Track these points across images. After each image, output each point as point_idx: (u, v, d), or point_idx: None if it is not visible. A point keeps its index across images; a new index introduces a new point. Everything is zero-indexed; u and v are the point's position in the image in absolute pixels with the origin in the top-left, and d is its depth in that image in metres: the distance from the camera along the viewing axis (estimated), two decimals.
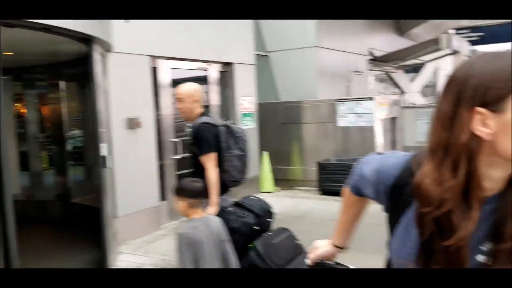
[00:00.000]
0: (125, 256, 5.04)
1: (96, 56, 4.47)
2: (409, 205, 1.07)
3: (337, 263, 1.55)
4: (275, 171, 8.42)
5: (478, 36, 15.92)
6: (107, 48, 5.05)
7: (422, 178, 0.99)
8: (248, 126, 7.93)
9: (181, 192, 2.87)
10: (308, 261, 1.59)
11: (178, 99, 3.57)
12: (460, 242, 0.96)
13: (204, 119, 3.50)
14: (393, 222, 1.14)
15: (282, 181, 8.63)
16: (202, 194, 2.92)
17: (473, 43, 15.13)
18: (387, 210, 1.17)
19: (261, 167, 8.26)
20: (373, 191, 1.21)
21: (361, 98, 8.11)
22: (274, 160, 8.45)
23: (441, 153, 0.97)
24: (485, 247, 1.00)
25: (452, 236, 0.96)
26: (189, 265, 2.67)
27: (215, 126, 3.46)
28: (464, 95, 0.94)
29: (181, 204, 2.85)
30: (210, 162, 3.38)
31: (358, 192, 1.35)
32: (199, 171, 3.42)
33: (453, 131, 0.95)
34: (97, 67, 4.46)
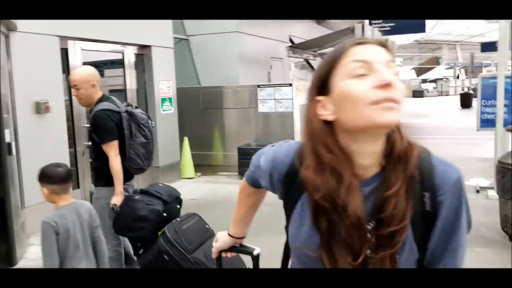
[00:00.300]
0: (35, 247, 4.76)
1: None
2: (302, 191, 1.10)
3: (241, 245, 1.56)
4: (196, 157, 8.35)
5: (389, 26, 16.72)
6: (10, 27, 4.67)
7: (305, 166, 1.07)
8: (167, 111, 7.76)
9: (42, 178, 2.67)
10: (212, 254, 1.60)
11: (73, 86, 3.35)
12: (353, 218, 1.01)
13: (104, 105, 3.31)
14: (288, 208, 1.16)
15: (204, 166, 8.58)
16: (65, 180, 2.71)
17: (385, 33, 15.89)
18: (282, 197, 1.19)
19: (182, 153, 8.15)
20: (269, 180, 1.23)
21: (281, 84, 8.23)
22: (195, 146, 8.37)
23: (310, 142, 1.06)
24: (370, 226, 1.04)
25: (345, 214, 1.01)
26: (54, 255, 2.54)
27: (116, 112, 3.32)
28: (309, 90, 1.09)
29: (45, 191, 2.67)
30: (112, 150, 3.25)
31: (254, 183, 1.37)
32: (101, 159, 3.30)
33: (309, 121, 1.07)
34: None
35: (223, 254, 1.58)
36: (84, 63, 5.92)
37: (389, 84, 0.95)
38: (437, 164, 1.04)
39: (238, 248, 1.56)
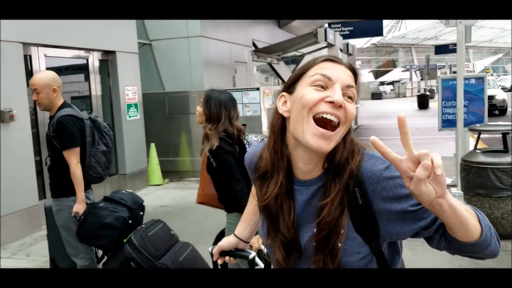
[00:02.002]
0: (4, 260, 4.61)
1: None
2: None
3: (237, 249, 1.59)
4: (163, 163, 8.28)
5: (348, 30, 17.05)
6: None
7: (256, 168, 1.24)
8: (133, 117, 7.67)
9: None
10: (211, 250, 1.62)
11: (33, 90, 3.27)
12: (286, 220, 1.16)
13: (68, 110, 3.24)
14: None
15: (171, 172, 8.52)
16: None
17: (344, 36, 16.24)
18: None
19: (149, 160, 8.06)
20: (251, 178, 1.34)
21: (248, 88, 8.28)
22: (162, 152, 8.30)
23: (269, 133, 1.20)
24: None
25: (281, 215, 1.17)
26: None
27: (79, 119, 3.28)
28: (283, 87, 1.20)
29: None
30: (74, 157, 3.19)
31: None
32: (60, 168, 3.23)
33: (273, 113, 1.20)
34: None
35: (220, 261, 1.60)
36: (47, 69, 5.78)
37: (336, 103, 1.06)
38: (365, 159, 1.12)
39: (234, 252, 1.59)
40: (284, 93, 1.17)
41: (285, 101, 1.15)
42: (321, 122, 1.07)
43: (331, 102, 1.06)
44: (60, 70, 6.49)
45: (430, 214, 1.02)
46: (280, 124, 1.16)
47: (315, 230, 1.12)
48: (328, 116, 1.06)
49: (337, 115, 1.06)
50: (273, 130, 1.18)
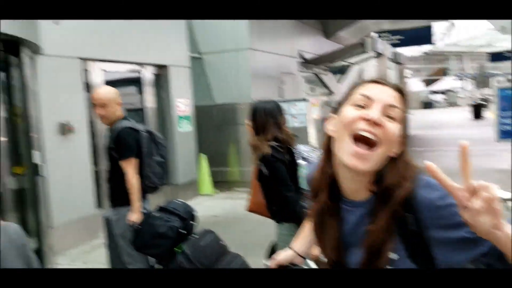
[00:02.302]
0: (64, 267, 4.81)
1: (25, 58, 4.24)
2: None
3: (293, 264, 1.58)
4: (213, 174, 8.40)
5: (397, 39, 16.71)
6: (35, 50, 4.80)
7: (313, 175, 1.24)
8: (184, 129, 7.85)
9: None
10: (268, 263, 1.63)
11: (96, 104, 3.44)
12: (330, 238, 1.17)
13: (126, 123, 3.41)
14: None
15: (221, 183, 8.63)
16: None
17: (393, 45, 15.95)
18: None
19: (199, 170, 8.21)
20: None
21: (295, 99, 8.30)
22: (212, 163, 8.43)
23: (321, 151, 1.22)
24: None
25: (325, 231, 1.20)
26: None
27: (136, 130, 3.40)
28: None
29: None
30: (130, 167, 3.30)
31: None
32: (117, 176, 3.35)
33: (324, 134, 1.22)
34: (26, 70, 4.24)
35: None
36: (106, 83, 6.04)
37: (372, 120, 1.05)
38: (420, 185, 1.06)
39: (290, 267, 1.57)
40: (332, 114, 1.20)
41: (332, 122, 1.19)
42: (359, 140, 1.06)
43: (368, 120, 1.06)
44: (114, 83, 6.75)
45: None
46: (328, 144, 1.18)
47: (362, 253, 1.10)
48: (364, 133, 1.05)
49: (374, 133, 1.05)
50: (323, 149, 1.21)
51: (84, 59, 5.85)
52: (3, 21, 3.72)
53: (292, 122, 8.08)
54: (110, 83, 5.88)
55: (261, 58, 9.63)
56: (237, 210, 6.95)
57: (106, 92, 3.45)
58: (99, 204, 5.96)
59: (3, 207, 5.86)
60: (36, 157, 4.19)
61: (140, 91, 7.22)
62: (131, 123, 3.43)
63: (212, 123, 8.74)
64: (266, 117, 2.91)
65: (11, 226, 2.71)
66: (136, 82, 7.19)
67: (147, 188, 3.46)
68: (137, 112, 7.25)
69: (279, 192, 2.83)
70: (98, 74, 6.18)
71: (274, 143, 2.85)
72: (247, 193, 3.40)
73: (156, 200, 3.74)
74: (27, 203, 4.42)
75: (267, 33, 9.92)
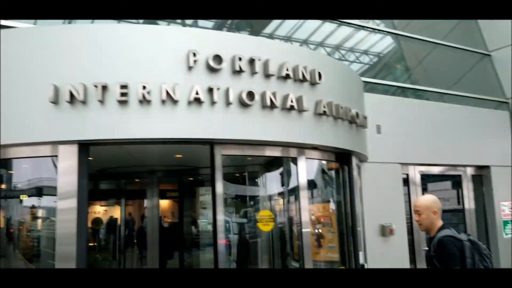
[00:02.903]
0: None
1: (353, 166, 4.85)
2: None
3: None
4: None
5: None
6: (362, 159, 5.42)
7: None
8: (510, 234, 7.10)
9: None
10: None
11: (416, 211, 3.57)
12: None
13: (447, 232, 3.37)
14: None
15: None
16: None
17: None
18: None
19: None
20: None
21: None
22: None
23: None
24: None
25: None
26: None
27: (459, 240, 3.31)
28: None
29: None
30: None
31: None
32: None
33: None
34: (354, 175, 4.82)
35: None
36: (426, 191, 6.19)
37: None
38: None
39: None
40: None
41: None
42: None
43: None
44: (432, 180, 6.84)
45: None
46: None
47: None
48: None
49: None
50: None
51: (404, 164, 6.20)
52: (338, 137, 4.42)
53: None
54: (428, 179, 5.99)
55: None
56: None
57: (423, 200, 3.62)
58: None
59: None
60: (360, 257, 4.56)
61: (459, 192, 7.04)
62: (452, 232, 3.44)
63: None
64: None
65: None
66: (455, 181, 7.08)
67: None
68: (456, 213, 7.04)
69: None
70: (416, 178, 6.40)
71: None
72: None
73: None
74: None
75: None
